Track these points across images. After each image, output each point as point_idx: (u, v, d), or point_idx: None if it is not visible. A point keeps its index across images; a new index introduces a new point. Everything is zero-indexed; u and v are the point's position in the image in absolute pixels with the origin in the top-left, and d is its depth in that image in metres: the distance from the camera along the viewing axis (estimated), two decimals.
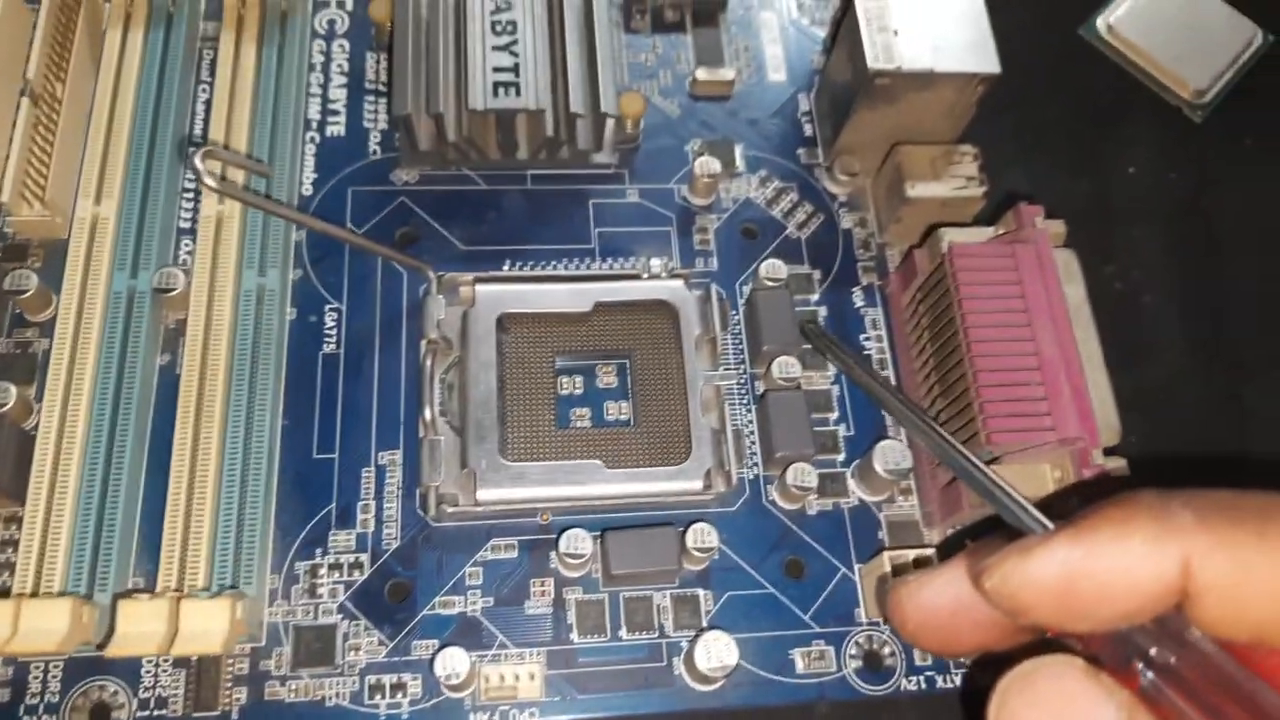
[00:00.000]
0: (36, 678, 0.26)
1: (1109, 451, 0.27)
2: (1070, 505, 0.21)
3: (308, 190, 0.33)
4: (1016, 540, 0.19)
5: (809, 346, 0.31)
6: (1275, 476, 0.33)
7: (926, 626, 0.21)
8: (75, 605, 0.24)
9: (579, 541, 0.28)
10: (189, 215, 0.32)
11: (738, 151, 0.35)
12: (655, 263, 0.32)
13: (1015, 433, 0.26)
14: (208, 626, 0.24)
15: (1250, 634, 0.17)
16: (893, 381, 0.32)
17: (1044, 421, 0.27)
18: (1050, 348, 0.27)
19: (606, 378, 0.31)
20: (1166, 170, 0.38)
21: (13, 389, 0.28)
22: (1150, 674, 0.18)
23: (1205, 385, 0.34)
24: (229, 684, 0.26)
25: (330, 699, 0.27)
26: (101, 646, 0.25)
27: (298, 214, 0.31)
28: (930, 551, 0.28)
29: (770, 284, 0.31)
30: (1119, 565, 0.17)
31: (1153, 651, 0.18)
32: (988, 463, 0.27)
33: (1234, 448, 0.34)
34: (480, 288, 0.31)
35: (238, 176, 0.31)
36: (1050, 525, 0.20)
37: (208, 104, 0.33)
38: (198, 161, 0.24)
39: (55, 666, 0.26)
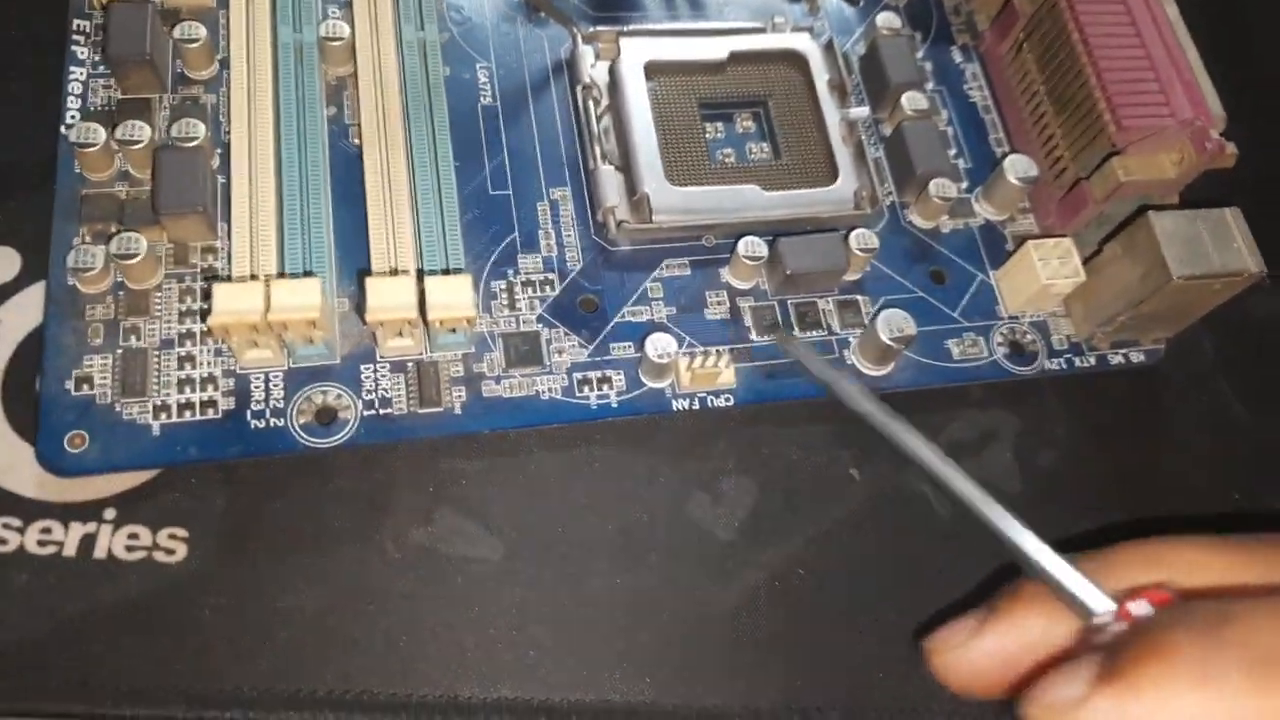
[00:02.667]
0: (258, 387, 0.27)
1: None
2: None
3: None
4: (1052, 677, 0.18)
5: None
6: None
7: (972, 688, 0.21)
8: (321, 284, 0.25)
9: (755, 246, 0.30)
10: None
11: None
12: (779, 18, 0.34)
13: (1141, 118, 0.30)
14: (454, 299, 0.25)
15: None
16: (999, 125, 0.35)
17: (1164, 110, 0.30)
18: (1160, 52, 0.31)
19: (744, 124, 0.33)
20: None
21: (202, 124, 0.28)
22: None
23: None
24: (448, 385, 0.28)
25: (544, 393, 0.28)
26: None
27: None
28: (1068, 241, 0.31)
29: (888, 33, 0.34)
30: None
31: None
32: (1110, 156, 0.31)
33: None
34: (624, 40, 0.33)
35: None
36: (1104, 599, 0.19)
37: None
38: None
39: (275, 376, 0.27)
